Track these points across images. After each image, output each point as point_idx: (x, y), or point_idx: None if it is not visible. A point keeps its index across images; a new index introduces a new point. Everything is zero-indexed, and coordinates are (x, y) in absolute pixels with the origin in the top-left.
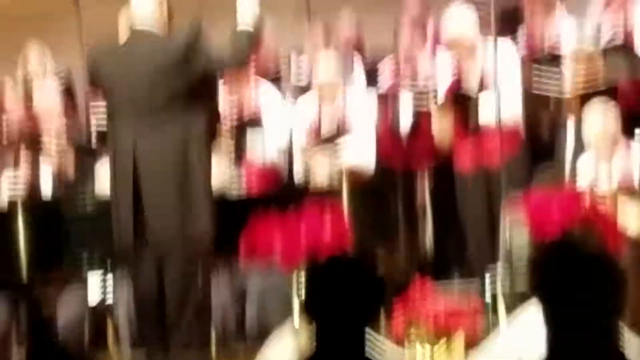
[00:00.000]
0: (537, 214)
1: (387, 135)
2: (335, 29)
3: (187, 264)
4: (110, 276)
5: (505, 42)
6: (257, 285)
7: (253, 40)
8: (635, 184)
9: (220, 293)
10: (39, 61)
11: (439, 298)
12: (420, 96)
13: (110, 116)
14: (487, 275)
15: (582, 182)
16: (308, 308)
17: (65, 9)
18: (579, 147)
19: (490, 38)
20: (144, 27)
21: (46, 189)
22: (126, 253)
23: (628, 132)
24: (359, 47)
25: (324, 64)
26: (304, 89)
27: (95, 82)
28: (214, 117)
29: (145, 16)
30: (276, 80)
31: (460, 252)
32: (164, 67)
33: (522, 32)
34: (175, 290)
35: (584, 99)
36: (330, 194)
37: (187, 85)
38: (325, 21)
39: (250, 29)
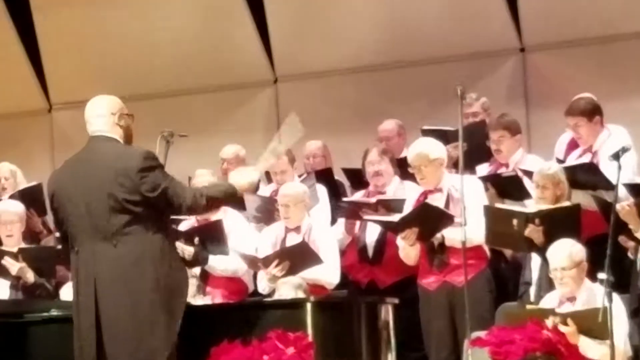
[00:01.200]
0: (500, 345)
1: (353, 252)
2: (303, 155)
3: None
4: None
5: (471, 177)
6: None
7: (212, 202)
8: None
9: None
10: (9, 180)
11: None
12: (387, 215)
13: (68, 233)
14: None
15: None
16: None
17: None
18: (541, 280)
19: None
20: (98, 134)
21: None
22: None
23: (594, 266)
24: (325, 170)
25: (289, 188)
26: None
27: (53, 201)
28: (172, 233)
29: (98, 124)
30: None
31: None
32: (118, 173)
33: (487, 166)
34: None
35: (548, 221)
36: (294, 307)
37: (142, 195)
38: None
39: (214, 193)
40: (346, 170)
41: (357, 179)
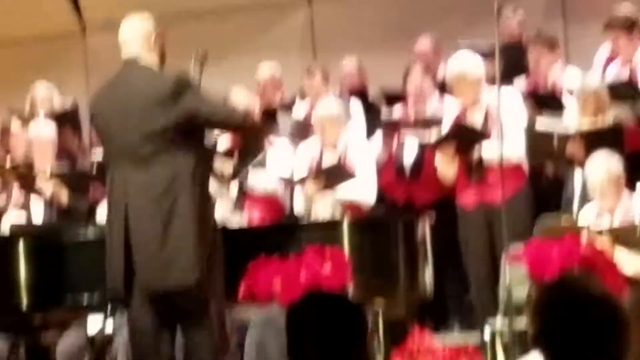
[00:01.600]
0: (537, 260)
1: (390, 171)
2: (338, 72)
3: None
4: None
5: (508, 88)
6: (256, 323)
7: (244, 121)
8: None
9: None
10: (46, 99)
11: (438, 350)
12: (425, 133)
13: (105, 154)
14: (487, 326)
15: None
16: (289, 348)
17: (72, 38)
18: (584, 194)
19: (495, 86)
20: (132, 57)
21: (40, 219)
22: (118, 293)
23: (633, 179)
24: (361, 90)
25: (324, 107)
26: (305, 129)
27: (93, 122)
28: (206, 156)
29: (133, 46)
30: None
31: (460, 299)
32: (150, 100)
33: (526, 80)
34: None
35: (590, 139)
36: (330, 226)
37: (174, 121)
38: (326, 64)
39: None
40: (383, 90)
41: (393, 99)
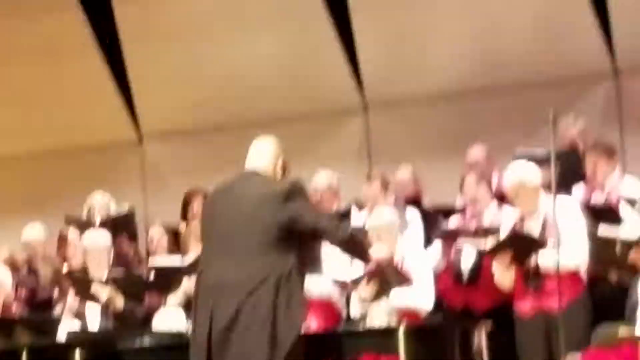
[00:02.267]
0: None
1: (448, 277)
2: (394, 181)
3: None
4: None
5: (566, 196)
6: None
7: (343, 239)
8: None
9: None
10: (103, 208)
11: None
12: (483, 240)
13: (204, 248)
14: None
15: None
16: None
17: (128, 147)
18: None
19: (551, 194)
20: (255, 168)
21: (95, 326)
22: None
23: None
24: (416, 198)
25: (380, 216)
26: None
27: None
28: (301, 264)
29: (257, 161)
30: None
31: None
32: (263, 197)
33: (583, 187)
34: None
35: None
36: (386, 334)
37: (279, 221)
38: (384, 173)
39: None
40: (437, 208)
41: (447, 213)
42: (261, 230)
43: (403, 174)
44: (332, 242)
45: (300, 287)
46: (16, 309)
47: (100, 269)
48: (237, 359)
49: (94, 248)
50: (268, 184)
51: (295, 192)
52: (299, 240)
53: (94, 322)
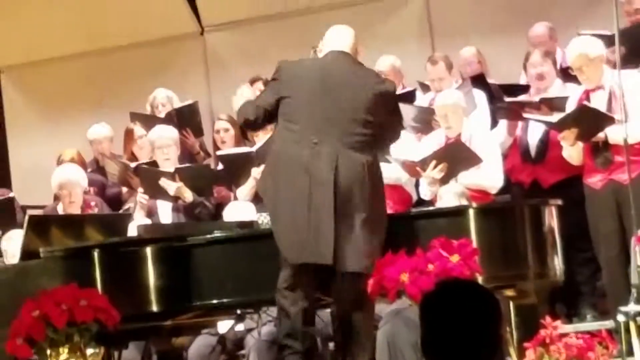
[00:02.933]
0: None
1: (516, 154)
2: (458, 61)
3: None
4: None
5: (632, 71)
6: (387, 317)
7: None
8: None
9: None
10: (166, 103)
11: (571, 337)
12: (549, 115)
13: (287, 122)
14: (621, 312)
15: None
16: (422, 334)
17: (190, 39)
18: None
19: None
20: (337, 49)
21: (167, 221)
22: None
23: None
24: (481, 77)
25: (446, 96)
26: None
27: (279, 89)
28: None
29: (339, 44)
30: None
31: (592, 284)
32: (354, 89)
33: None
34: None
35: None
36: (457, 214)
37: (371, 119)
38: (447, 54)
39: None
40: (502, 85)
41: (512, 91)
42: (362, 123)
43: (467, 54)
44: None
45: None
46: (99, 206)
47: (168, 163)
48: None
49: (161, 142)
50: (366, 72)
51: (392, 91)
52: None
53: (165, 217)
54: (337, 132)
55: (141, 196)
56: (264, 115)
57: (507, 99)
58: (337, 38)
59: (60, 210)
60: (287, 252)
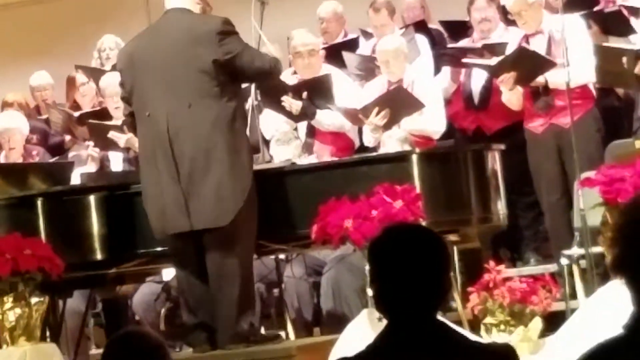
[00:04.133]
0: (611, 183)
1: (459, 100)
2: (401, 7)
3: (216, 242)
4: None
5: (572, 15)
6: (331, 264)
7: (276, 68)
8: None
9: (294, 273)
10: (113, 50)
11: (514, 281)
12: (491, 60)
13: (141, 95)
14: (563, 254)
15: None
16: (372, 278)
17: None
18: None
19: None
20: (175, 6)
21: (116, 167)
22: (162, 233)
23: None
24: (424, 23)
25: (388, 42)
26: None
27: (123, 73)
28: (242, 104)
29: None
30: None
31: (535, 228)
32: (196, 38)
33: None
34: (213, 272)
35: None
36: (400, 159)
37: (218, 61)
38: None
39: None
40: (444, 22)
41: (456, 30)
42: (202, 70)
43: (410, 2)
44: (266, 80)
45: (245, 128)
46: (40, 155)
47: (118, 112)
48: (203, 201)
49: (111, 90)
50: (197, 20)
51: (227, 29)
52: (240, 79)
53: (117, 168)
54: (172, 95)
55: (92, 149)
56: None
57: (450, 45)
58: None
59: (1, 158)
60: (153, 227)
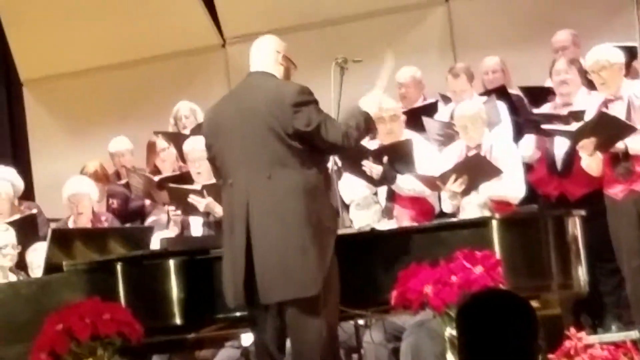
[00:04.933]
0: None
1: (542, 166)
2: (481, 72)
3: (301, 312)
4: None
5: None
6: (411, 329)
7: (368, 124)
8: None
9: (374, 338)
10: (189, 118)
11: (595, 348)
12: (572, 121)
13: (223, 165)
14: None
15: None
16: (461, 345)
17: (212, 52)
18: None
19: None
20: (256, 70)
21: (196, 232)
22: (239, 302)
23: None
24: (504, 88)
25: (466, 107)
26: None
27: (207, 139)
28: (324, 169)
29: (259, 60)
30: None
31: (616, 295)
32: (274, 105)
33: None
34: (296, 341)
35: None
36: (479, 225)
37: (297, 129)
38: (469, 63)
39: (368, 110)
40: (524, 88)
41: (536, 95)
42: (278, 140)
43: (491, 62)
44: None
45: (328, 197)
46: (108, 221)
47: (200, 177)
48: (285, 271)
49: (194, 155)
50: (276, 88)
51: (305, 97)
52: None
53: (197, 231)
54: (252, 164)
55: (173, 213)
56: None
57: (536, 112)
58: (254, 55)
59: (70, 223)
60: (226, 296)
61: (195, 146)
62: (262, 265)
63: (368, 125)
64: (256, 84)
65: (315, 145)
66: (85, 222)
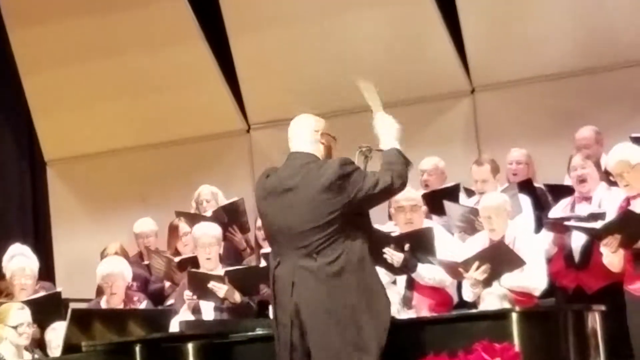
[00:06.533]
0: None
1: (559, 259)
2: (505, 161)
3: None
4: None
5: None
6: None
7: (402, 155)
8: None
9: None
10: (210, 202)
11: None
12: (592, 221)
13: (271, 242)
14: None
15: None
16: None
17: (236, 136)
18: None
19: None
20: (297, 149)
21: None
22: None
23: None
24: (528, 181)
25: (490, 198)
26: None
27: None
28: (369, 243)
29: (299, 140)
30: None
31: None
32: (316, 191)
33: None
34: None
35: None
36: (499, 317)
37: (342, 208)
38: (493, 157)
39: (396, 144)
40: (548, 185)
41: (559, 193)
42: (327, 222)
43: (517, 153)
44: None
45: (375, 273)
46: (140, 301)
47: (210, 263)
48: (340, 345)
49: (204, 240)
50: (318, 170)
51: (347, 169)
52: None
53: (208, 314)
54: (294, 242)
55: (189, 297)
56: None
57: (552, 217)
58: (293, 135)
59: (103, 303)
60: None
61: (207, 231)
62: (315, 343)
63: (403, 157)
64: (296, 167)
65: (367, 201)
66: (117, 303)
